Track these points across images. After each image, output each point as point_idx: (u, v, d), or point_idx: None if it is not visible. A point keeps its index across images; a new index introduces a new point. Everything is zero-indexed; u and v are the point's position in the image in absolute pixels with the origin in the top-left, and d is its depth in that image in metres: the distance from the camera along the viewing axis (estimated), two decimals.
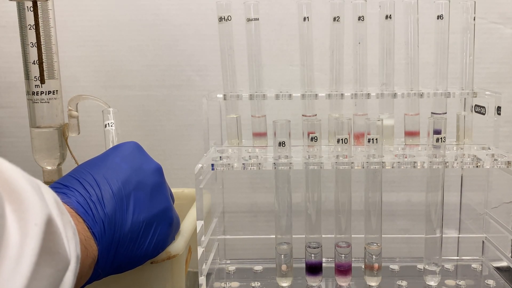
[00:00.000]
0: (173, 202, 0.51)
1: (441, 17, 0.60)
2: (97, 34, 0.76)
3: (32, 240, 0.29)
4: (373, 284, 0.60)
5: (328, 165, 0.55)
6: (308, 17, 0.60)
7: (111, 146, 0.57)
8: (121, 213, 0.44)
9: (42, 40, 0.61)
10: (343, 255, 0.60)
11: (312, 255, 0.60)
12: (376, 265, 0.59)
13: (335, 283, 0.61)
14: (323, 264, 0.61)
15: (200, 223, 0.54)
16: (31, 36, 0.61)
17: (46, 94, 0.63)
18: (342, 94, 0.60)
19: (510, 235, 0.60)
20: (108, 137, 0.60)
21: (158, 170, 0.49)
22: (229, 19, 0.60)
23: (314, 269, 0.60)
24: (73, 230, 0.36)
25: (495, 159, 0.56)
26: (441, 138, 0.55)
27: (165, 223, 0.48)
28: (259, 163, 0.55)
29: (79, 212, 0.41)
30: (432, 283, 0.60)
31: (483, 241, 0.69)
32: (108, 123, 0.60)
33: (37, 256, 0.29)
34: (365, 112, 0.62)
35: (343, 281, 0.60)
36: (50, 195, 0.34)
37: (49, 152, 0.64)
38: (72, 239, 0.35)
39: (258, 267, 0.67)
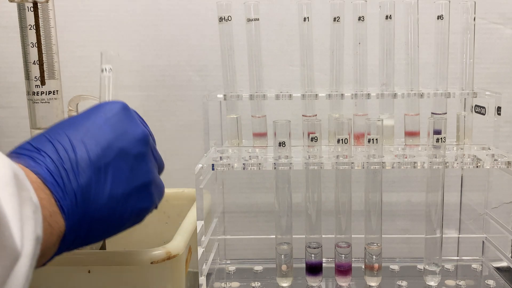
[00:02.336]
0: (162, 170, 0.48)
1: (441, 18, 0.60)
2: (97, 34, 0.76)
3: None
4: (373, 284, 0.60)
5: (328, 165, 0.55)
6: (308, 17, 0.60)
7: (106, 98, 0.52)
8: (97, 184, 0.39)
9: (42, 40, 0.61)
10: (343, 255, 0.60)
11: (312, 255, 0.60)
12: (376, 265, 0.59)
13: (335, 283, 0.61)
14: (323, 264, 0.61)
15: (200, 223, 0.54)
16: (32, 36, 0.61)
17: (46, 94, 0.63)
18: (342, 94, 0.60)
19: (510, 235, 0.60)
20: (104, 85, 0.51)
21: (144, 138, 0.43)
22: (229, 19, 0.60)
23: (314, 269, 0.60)
24: (34, 207, 0.33)
25: (495, 159, 0.56)
26: (441, 138, 0.55)
27: (146, 198, 0.43)
28: (259, 163, 0.55)
29: (47, 182, 0.36)
30: (432, 283, 0.60)
31: (483, 241, 0.69)
32: (105, 68, 0.51)
33: None
34: (365, 112, 0.62)
35: (343, 281, 0.60)
36: (7, 169, 0.31)
37: None
38: (30, 220, 0.32)
39: (258, 267, 0.67)
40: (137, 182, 0.41)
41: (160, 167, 0.47)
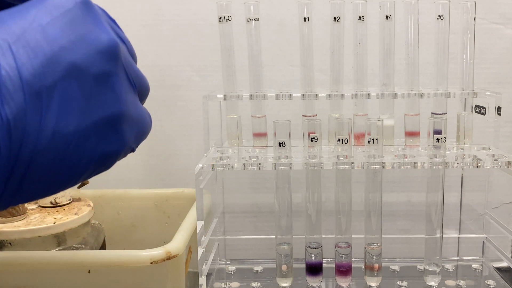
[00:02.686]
0: (146, 96, 0.36)
1: (442, 17, 0.60)
2: None
3: None
4: (373, 284, 0.60)
5: (328, 165, 0.55)
6: (308, 17, 0.60)
7: None
8: (35, 116, 0.26)
9: None
10: (343, 255, 0.60)
11: (312, 255, 0.60)
12: (376, 265, 0.59)
13: (335, 283, 0.61)
14: (323, 265, 0.61)
15: (200, 223, 0.54)
16: None
17: None
18: (342, 94, 0.60)
19: (510, 235, 0.60)
20: None
21: (111, 50, 0.29)
22: (229, 19, 0.60)
23: (314, 269, 0.60)
24: None
25: (495, 160, 0.56)
26: (442, 138, 0.55)
27: (113, 138, 0.30)
28: (259, 164, 0.55)
29: None
30: (432, 284, 0.60)
31: (483, 242, 0.69)
32: None
33: None
34: (365, 112, 0.62)
35: (343, 282, 0.60)
36: None
37: None
38: None
39: (258, 268, 0.67)
40: (99, 114, 0.29)
41: (142, 93, 0.34)
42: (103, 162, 0.30)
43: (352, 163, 0.55)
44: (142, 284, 0.50)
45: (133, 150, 0.33)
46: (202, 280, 0.55)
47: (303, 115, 0.63)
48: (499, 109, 0.60)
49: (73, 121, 0.27)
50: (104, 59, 0.29)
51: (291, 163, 0.55)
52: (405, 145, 0.63)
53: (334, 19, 0.60)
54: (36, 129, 0.26)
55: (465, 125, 0.63)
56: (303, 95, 0.61)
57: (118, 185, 0.73)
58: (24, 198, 0.29)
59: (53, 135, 0.27)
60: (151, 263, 0.48)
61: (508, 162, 0.55)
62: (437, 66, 0.61)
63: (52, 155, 0.27)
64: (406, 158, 0.57)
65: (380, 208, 0.58)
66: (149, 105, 0.84)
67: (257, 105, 0.63)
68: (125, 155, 0.32)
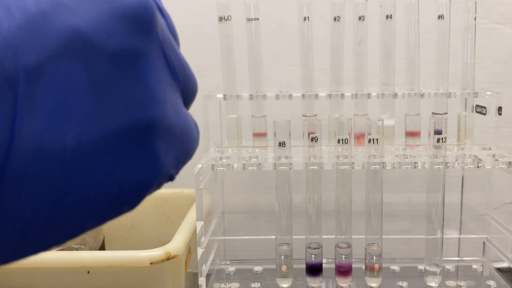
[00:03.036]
0: (193, 97, 0.24)
1: (442, 17, 0.59)
2: None
3: None
4: (373, 285, 0.60)
5: (328, 166, 0.55)
6: (308, 17, 0.60)
7: None
8: (6, 117, 0.15)
9: None
10: (343, 256, 0.59)
11: (313, 255, 0.60)
12: (376, 266, 0.59)
13: (335, 284, 0.61)
14: (324, 265, 0.60)
15: (200, 224, 0.54)
16: None
17: None
18: (342, 94, 0.60)
19: (511, 235, 0.60)
20: None
21: (143, 16, 0.18)
22: (229, 19, 0.60)
23: (314, 269, 0.60)
24: None
25: (496, 160, 0.56)
26: (442, 138, 0.55)
27: (140, 159, 0.19)
28: (259, 164, 0.55)
29: None
30: (432, 284, 0.60)
31: (484, 242, 0.69)
32: None
33: None
34: (365, 112, 0.62)
35: (343, 282, 0.60)
36: None
37: None
38: None
39: (258, 268, 0.67)
40: (118, 120, 0.18)
41: (188, 91, 0.23)
42: (126, 197, 0.19)
43: (352, 163, 0.55)
44: (142, 284, 0.50)
45: (171, 178, 0.21)
46: (201, 280, 0.54)
47: (303, 115, 0.63)
48: (499, 109, 0.60)
49: (75, 129, 0.17)
50: (130, 30, 0.18)
51: (291, 163, 0.55)
52: (406, 145, 0.62)
53: (334, 19, 0.60)
54: (6, 139, 0.15)
55: (465, 125, 0.63)
56: (303, 95, 0.61)
57: None
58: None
59: (39, 152, 0.16)
60: (151, 263, 0.48)
61: (509, 162, 0.55)
62: (438, 66, 0.61)
63: (37, 185, 0.16)
64: (406, 158, 0.56)
65: (381, 209, 0.58)
66: None
67: (257, 105, 0.63)
68: (159, 186, 0.21)
